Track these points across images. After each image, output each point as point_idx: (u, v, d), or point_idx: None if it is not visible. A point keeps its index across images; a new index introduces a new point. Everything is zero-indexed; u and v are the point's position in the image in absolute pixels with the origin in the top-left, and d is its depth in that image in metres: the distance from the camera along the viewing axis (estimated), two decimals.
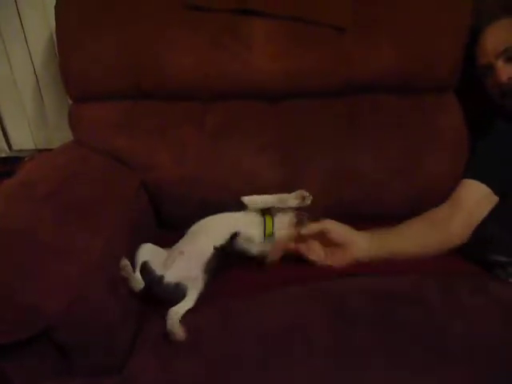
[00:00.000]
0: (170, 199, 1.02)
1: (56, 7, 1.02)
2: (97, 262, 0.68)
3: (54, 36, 1.06)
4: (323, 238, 0.86)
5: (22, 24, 1.22)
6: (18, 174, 0.89)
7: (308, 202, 0.85)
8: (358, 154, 1.02)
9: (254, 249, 0.86)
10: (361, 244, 0.87)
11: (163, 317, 0.68)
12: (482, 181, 0.95)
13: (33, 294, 0.59)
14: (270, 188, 0.97)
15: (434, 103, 1.07)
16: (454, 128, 1.06)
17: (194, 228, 0.88)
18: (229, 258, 0.85)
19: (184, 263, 0.80)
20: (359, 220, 0.95)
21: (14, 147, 1.38)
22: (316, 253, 0.86)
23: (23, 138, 1.36)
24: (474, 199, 0.94)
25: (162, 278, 0.77)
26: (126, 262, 0.76)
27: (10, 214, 0.71)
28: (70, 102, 1.09)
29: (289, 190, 0.90)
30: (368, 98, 1.06)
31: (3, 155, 1.37)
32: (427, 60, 1.05)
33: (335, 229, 0.87)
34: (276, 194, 0.89)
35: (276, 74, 1.03)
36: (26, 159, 1.27)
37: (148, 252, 0.82)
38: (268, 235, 0.88)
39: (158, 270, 0.79)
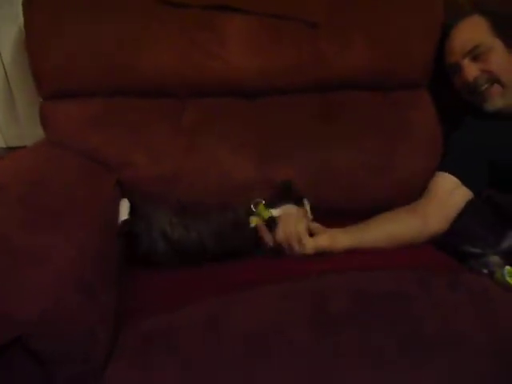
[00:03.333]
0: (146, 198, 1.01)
1: (24, 3, 0.98)
2: (71, 266, 0.66)
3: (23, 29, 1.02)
4: None
5: None
6: None
7: None
8: (333, 150, 1.03)
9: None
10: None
11: (141, 322, 0.68)
12: (452, 173, 0.98)
13: (5, 301, 0.57)
14: (247, 186, 0.98)
15: (407, 100, 1.08)
16: (428, 124, 1.08)
17: None
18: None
19: None
20: (335, 216, 0.97)
21: None
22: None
23: None
24: (446, 190, 0.97)
25: None
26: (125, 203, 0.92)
27: None
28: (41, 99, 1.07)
29: (266, 188, 0.93)
30: (342, 95, 1.07)
31: None
32: (400, 57, 1.06)
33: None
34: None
35: (251, 71, 1.03)
36: None
37: None
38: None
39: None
